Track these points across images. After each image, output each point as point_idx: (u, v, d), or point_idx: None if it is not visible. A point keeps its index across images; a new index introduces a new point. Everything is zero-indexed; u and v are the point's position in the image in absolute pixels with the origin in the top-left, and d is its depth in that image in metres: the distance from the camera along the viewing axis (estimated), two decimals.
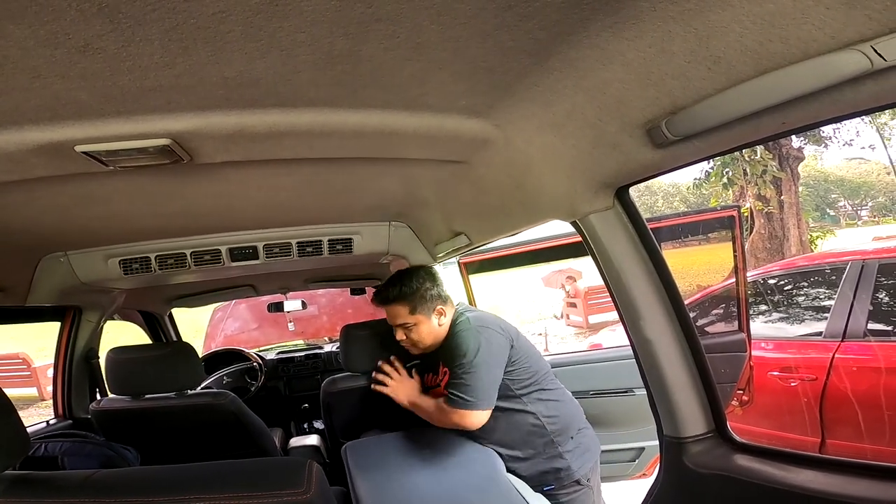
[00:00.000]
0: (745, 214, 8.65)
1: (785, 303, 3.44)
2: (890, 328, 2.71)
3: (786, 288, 3.53)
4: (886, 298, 2.77)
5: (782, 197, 8.77)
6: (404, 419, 2.33)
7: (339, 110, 0.95)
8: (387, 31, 0.70)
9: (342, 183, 1.50)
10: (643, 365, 1.18)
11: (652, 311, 1.14)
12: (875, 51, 0.57)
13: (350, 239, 2.04)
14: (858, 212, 20.14)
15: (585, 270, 9.83)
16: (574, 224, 1.20)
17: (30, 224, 1.45)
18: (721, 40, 0.66)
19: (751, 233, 8.76)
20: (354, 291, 3.69)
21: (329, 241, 2.02)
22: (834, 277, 3.05)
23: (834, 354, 2.72)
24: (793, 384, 2.82)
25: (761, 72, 0.67)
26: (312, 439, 2.71)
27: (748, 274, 3.41)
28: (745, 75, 0.69)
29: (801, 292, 3.41)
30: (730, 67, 0.69)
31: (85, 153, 0.94)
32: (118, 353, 1.97)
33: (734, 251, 2.38)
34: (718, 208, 2.07)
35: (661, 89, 0.78)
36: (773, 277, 3.66)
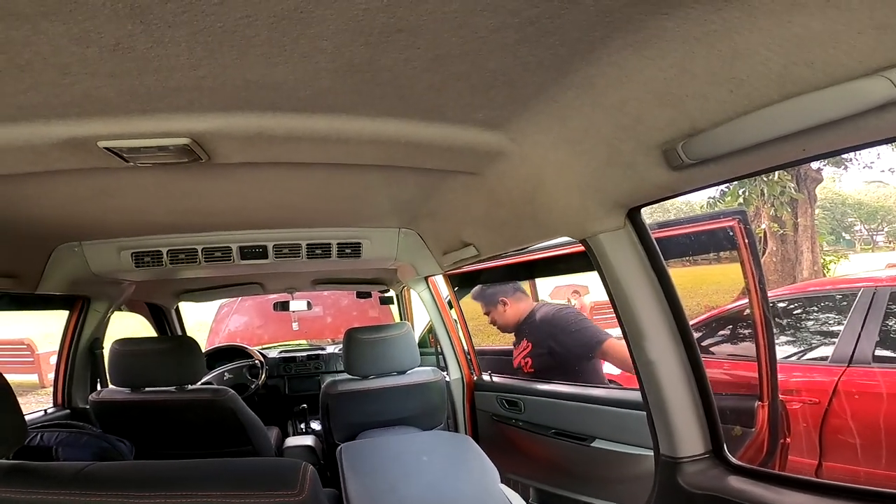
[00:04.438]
0: (759, 235, 8.53)
1: (793, 327, 3.39)
2: None
3: (794, 312, 3.49)
4: None
5: (798, 219, 8.64)
6: (402, 424, 2.34)
7: (355, 117, 0.96)
8: (407, 41, 0.70)
9: (354, 188, 1.51)
10: (644, 384, 1.18)
11: (657, 332, 1.14)
12: None
13: (359, 243, 2.05)
14: (874, 237, 19.78)
15: (592, 285, 9.76)
16: (583, 242, 1.19)
17: (47, 214, 1.47)
18: (745, 63, 0.65)
19: (763, 254, 8.64)
20: (361, 294, 3.70)
21: (338, 244, 2.03)
22: (845, 303, 3.01)
23: (839, 379, 2.69)
24: (794, 406, 2.80)
25: (785, 96, 0.65)
26: (308, 440, 2.71)
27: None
28: (767, 100, 0.67)
29: (811, 317, 3.37)
30: (752, 91, 0.67)
31: (107, 149, 0.96)
32: (122, 344, 1.99)
33: (743, 269, 2.33)
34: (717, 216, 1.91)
35: (680, 110, 0.77)
36: (782, 301, 3.62)
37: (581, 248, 1.23)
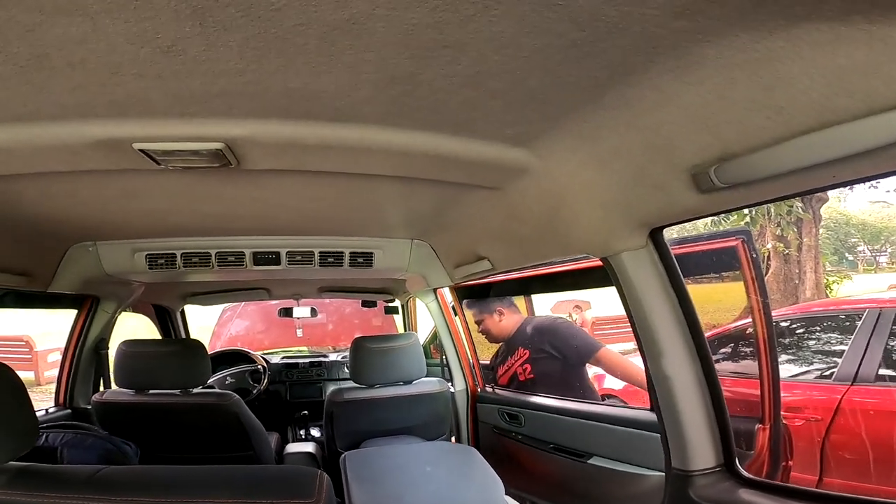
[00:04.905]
0: (764, 254, 8.51)
1: (796, 346, 3.40)
2: None
3: (798, 331, 3.50)
4: None
5: (802, 239, 8.62)
6: (405, 434, 2.33)
7: (386, 129, 0.96)
8: (450, 57, 0.71)
9: (374, 199, 1.51)
10: (659, 399, 1.19)
11: (674, 349, 1.15)
12: None
13: (371, 253, 2.05)
14: (877, 258, 19.69)
15: (594, 301, 9.73)
16: (604, 260, 1.20)
17: (66, 213, 1.47)
18: (785, 91, 0.65)
19: (766, 274, 8.61)
20: (366, 303, 3.70)
21: (351, 253, 2.03)
22: (848, 324, 3.04)
23: (843, 397, 2.73)
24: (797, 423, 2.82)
25: (823, 125, 0.66)
26: (309, 447, 2.69)
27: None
28: (805, 127, 0.67)
29: (814, 336, 3.39)
30: (790, 119, 0.68)
31: (141, 151, 0.96)
32: (129, 346, 1.98)
33: (747, 290, 2.34)
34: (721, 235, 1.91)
35: (716, 135, 0.77)
36: (785, 320, 3.62)
37: (589, 264, 1.25)
